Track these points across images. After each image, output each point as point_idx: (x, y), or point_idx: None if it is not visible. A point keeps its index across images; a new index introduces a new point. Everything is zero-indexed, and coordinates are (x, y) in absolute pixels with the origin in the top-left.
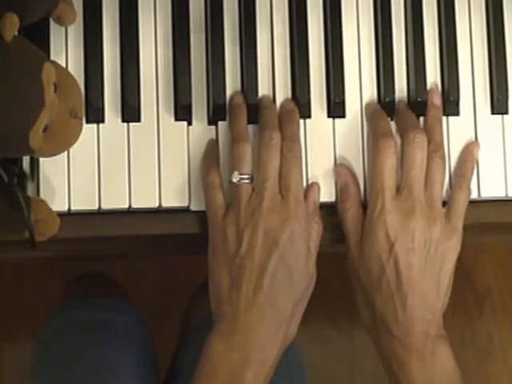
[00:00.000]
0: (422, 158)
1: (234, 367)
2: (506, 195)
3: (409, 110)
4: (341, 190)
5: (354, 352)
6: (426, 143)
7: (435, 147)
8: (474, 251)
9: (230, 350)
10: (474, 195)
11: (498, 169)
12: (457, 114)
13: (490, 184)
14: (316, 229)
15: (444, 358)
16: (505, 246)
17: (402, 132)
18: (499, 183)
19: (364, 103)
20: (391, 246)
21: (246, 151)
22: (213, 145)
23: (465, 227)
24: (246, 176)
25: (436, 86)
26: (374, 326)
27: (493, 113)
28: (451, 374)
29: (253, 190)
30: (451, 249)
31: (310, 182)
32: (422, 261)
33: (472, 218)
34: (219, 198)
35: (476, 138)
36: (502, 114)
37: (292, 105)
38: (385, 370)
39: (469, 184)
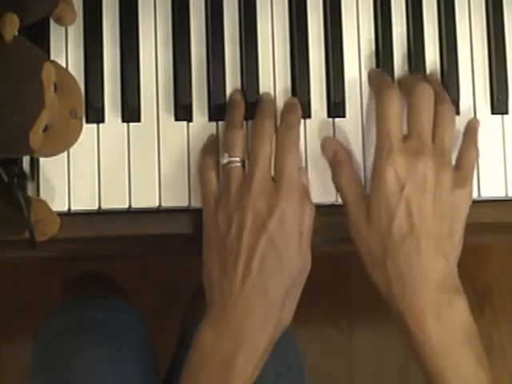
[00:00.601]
0: (430, 105)
1: (224, 355)
2: (506, 195)
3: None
4: (331, 161)
5: (354, 352)
6: (433, 95)
7: (443, 99)
8: (474, 251)
9: (219, 338)
10: (474, 195)
11: (498, 169)
12: (457, 113)
13: (490, 184)
14: (308, 213)
15: (460, 311)
16: (505, 246)
17: (410, 87)
18: (499, 183)
19: (364, 104)
20: (402, 187)
21: (237, 137)
22: (213, 138)
23: (465, 227)
24: (236, 159)
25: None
26: (388, 288)
27: (493, 113)
28: (467, 327)
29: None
30: (463, 198)
31: (310, 181)
32: (434, 203)
33: (472, 217)
34: (212, 183)
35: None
36: (502, 113)
37: (295, 100)
38: (400, 329)
39: (476, 144)
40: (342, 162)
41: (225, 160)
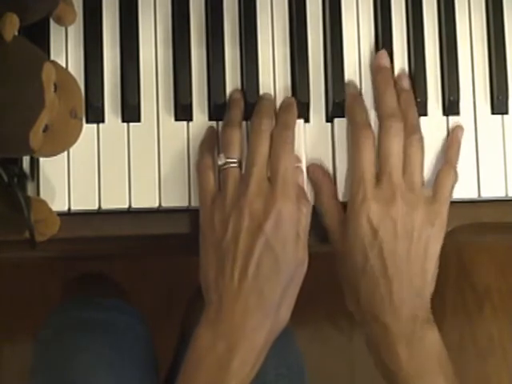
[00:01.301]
0: (399, 145)
1: (220, 356)
2: (506, 195)
3: (389, 89)
4: (314, 188)
5: (354, 352)
6: (401, 130)
7: (411, 130)
8: (474, 251)
9: (215, 338)
10: (474, 195)
11: (498, 169)
12: (457, 113)
13: (489, 184)
14: (304, 212)
15: (432, 343)
16: (505, 246)
17: (379, 119)
18: (499, 183)
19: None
20: (375, 234)
21: (235, 136)
22: (211, 132)
23: (465, 227)
24: (233, 160)
25: (403, 71)
26: (362, 317)
27: (493, 113)
28: (439, 359)
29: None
30: (434, 235)
31: (309, 181)
32: (405, 247)
33: (472, 217)
34: (210, 183)
35: (476, 138)
36: (502, 113)
37: (292, 99)
38: (373, 359)
39: (455, 168)
40: (325, 191)
41: (221, 161)
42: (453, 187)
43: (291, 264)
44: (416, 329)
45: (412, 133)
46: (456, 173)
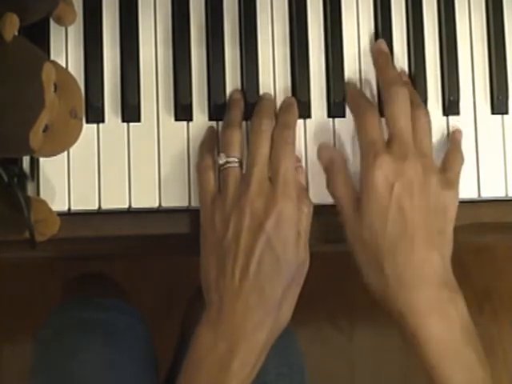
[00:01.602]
0: (406, 109)
1: (221, 356)
2: (506, 195)
3: (391, 65)
4: (326, 168)
5: (354, 352)
6: (407, 96)
7: (417, 104)
8: (474, 251)
9: (216, 338)
10: (474, 195)
11: (498, 169)
12: (457, 113)
13: (489, 184)
14: (306, 212)
15: (460, 309)
16: (505, 246)
17: (383, 90)
18: (499, 183)
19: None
20: (391, 189)
21: (235, 136)
22: (211, 132)
23: (465, 227)
24: (233, 159)
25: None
26: (386, 290)
27: (493, 113)
28: (467, 325)
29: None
30: (451, 199)
31: (310, 181)
32: (423, 202)
33: (472, 217)
34: (210, 183)
35: (476, 138)
36: (502, 113)
37: (292, 99)
38: (400, 329)
39: (461, 151)
40: (336, 167)
41: (222, 160)
42: (462, 164)
43: (292, 264)
44: (443, 294)
45: (418, 107)
46: (463, 156)
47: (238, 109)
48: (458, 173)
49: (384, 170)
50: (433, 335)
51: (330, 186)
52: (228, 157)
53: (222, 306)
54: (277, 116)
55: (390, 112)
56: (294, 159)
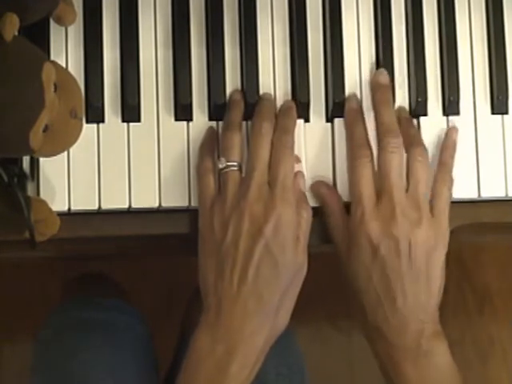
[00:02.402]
0: (399, 162)
1: (219, 360)
2: (506, 195)
3: (387, 107)
4: (321, 206)
5: (354, 352)
6: (401, 147)
7: (413, 142)
8: (474, 251)
9: (214, 342)
10: (474, 195)
11: (498, 169)
12: (457, 113)
13: (490, 184)
14: (305, 217)
15: (440, 356)
16: (505, 246)
17: (378, 136)
18: (499, 183)
19: (364, 104)
20: (375, 252)
21: (235, 139)
22: (211, 133)
23: (465, 227)
24: (233, 163)
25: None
26: (368, 331)
27: (493, 113)
28: (448, 372)
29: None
30: (437, 246)
31: (309, 181)
32: (407, 263)
33: (472, 217)
34: (210, 186)
35: (476, 138)
36: (502, 113)
37: (291, 103)
38: (381, 372)
39: (451, 172)
40: (332, 208)
41: (222, 165)
42: (450, 191)
43: (290, 268)
44: (422, 344)
45: (414, 145)
46: (452, 178)
47: (238, 110)
48: (448, 201)
49: (370, 234)
50: (409, 382)
51: (325, 223)
52: (228, 161)
53: (220, 309)
54: (277, 117)
55: (382, 162)
56: (293, 164)
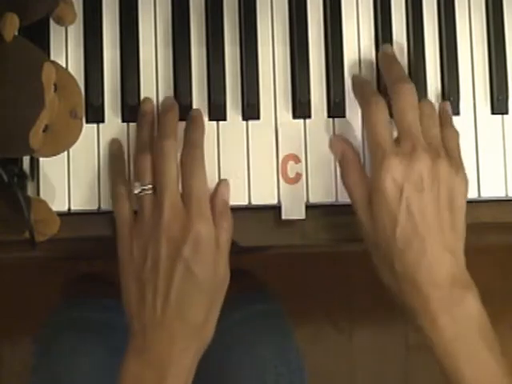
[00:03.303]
0: (414, 103)
1: None
2: (506, 195)
3: (397, 63)
4: (340, 162)
5: (354, 352)
6: (414, 91)
7: (421, 96)
8: (474, 251)
9: (143, 367)
10: (474, 195)
11: (498, 169)
12: (457, 113)
13: (489, 184)
14: (225, 227)
15: (471, 306)
16: (505, 246)
17: (389, 87)
18: (499, 183)
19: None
20: (400, 191)
21: (146, 162)
22: (118, 148)
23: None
24: (147, 187)
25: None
26: (398, 287)
27: (493, 113)
28: (479, 320)
29: None
30: (460, 185)
31: (309, 181)
32: (433, 199)
33: (472, 217)
34: (125, 211)
35: (476, 138)
36: (502, 113)
37: (198, 112)
38: (414, 324)
39: (452, 125)
40: (351, 163)
41: (137, 190)
42: (459, 138)
43: (212, 283)
44: (454, 294)
45: (422, 97)
46: (456, 129)
47: (146, 128)
48: (459, 149)
49: (392, 172)
50: (444, 335)
51: (342, 177)
52: (142, 185)
53: (146, 335)
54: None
55: (397, 107)
56: (204, 176)
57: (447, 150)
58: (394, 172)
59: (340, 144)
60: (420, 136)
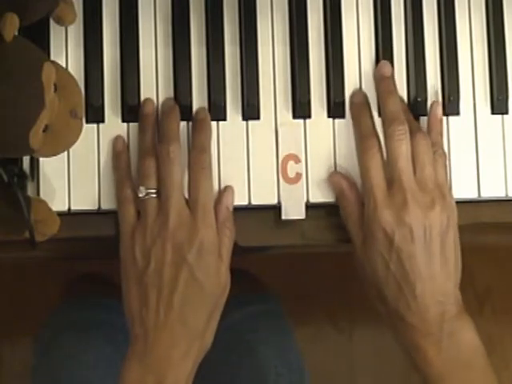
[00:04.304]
0: (406, 147)
1: None
2: (506, 195)
3: (392, 96)
4: (338, 198)
5: (354, 352)
6: (407, 133)
7: (415, 129)
8: (474, 251)
9: (144, 372)
10: (474, 195)
11: (498, 169)
12: (457, 113)
13: (490, 184)
14: (228, 235)
15: (463, 335)
16: (505, 246)
17: (384, 125)
18: (499, 183)
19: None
20: (391, 242)
21: (150, 166)
22: (124, 157)
23: (465, 227)
24: (152, 191)
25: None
26: (389, 318)
27: (493, 113)
28: (473, 352)
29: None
30: (450, 226)
31: (309, 181)
32: (423, 248)
33: (472, 217)
34: (130, 214)
35: (476, 138)
36: (502, 113)
37: (204, 114)
38: (407, 357)
39: (442, 147)
40: (349, 201)
41: (142, 194)
42: (446, 168)
43: (215, 289)
44: (444, 326)
45: (417, 131)
46: (445, 153)
47: (148, 130)
48: (446, 180)
49: (383, 225)
50: (435, 368)
51: (342, 216)
52: (147, 189)
53: (148, 338)
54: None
55: (390, 151)
56: (211, 182)
57: (439, 186)
58: (385, 225)
59: (338, 180)
60: (412, 183)
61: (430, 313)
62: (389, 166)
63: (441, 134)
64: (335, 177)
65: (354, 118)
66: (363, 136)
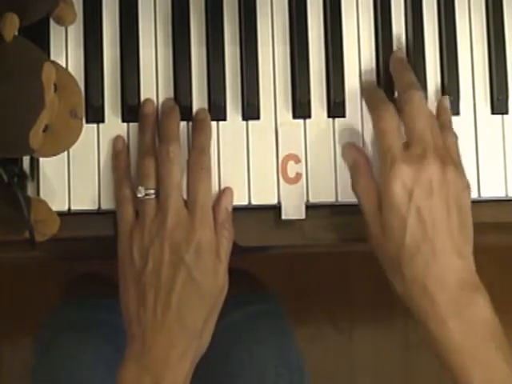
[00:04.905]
0: (425, 108)
1: None
2: (506, 195)
3: (407, 68)
4: (350, 169)
5: (354, 352)
6: (424, 98)
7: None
8: (474, 251)
9: (141, 372)
10: (474, 195)
11: (498, 169)
12: (457, 113)
13: (490, 184)
14: (226, 236)
15: (480, 309)
16: (505, 246)
17: (400, 95)
18: (499, 183)
19: (364, 104)
20: (410, 196)
21: (150, 166)
22: (124, 157)
23: None
24: (151, 191)
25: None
26: (407, 293)
27: (493, 113)
28: (488, 323)
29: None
30: (466, 187)
31: (309, 181)
32: (443, 204)
33: (472, 217)
34: (128, 214)
35: (476, 138)
36: (502, 113)
37: (204, 114)
38: (421, 329)
39: (452, 129)
40: (361, 170)
41: (140, 194)
42: (458, 145)
43: (213, 290)
44: (463, 298)
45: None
46: (456, 135)
47: (148, 130)
48: (459, 156)
49: (402, 178)
50: (453, 338)
51: (352, 187)
52: (146, 189)
53: (145, 339)
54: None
55: (408, 113)
56: (210, 183)
57: (452, 157)
58: (404, 177)
59: (352, 151)
60: (431, 141)
61: (449, 276)
62: (406, 128)
63: (450, 122)
64: (347, 148)
65: (366, 89)
66: (378, 102)
